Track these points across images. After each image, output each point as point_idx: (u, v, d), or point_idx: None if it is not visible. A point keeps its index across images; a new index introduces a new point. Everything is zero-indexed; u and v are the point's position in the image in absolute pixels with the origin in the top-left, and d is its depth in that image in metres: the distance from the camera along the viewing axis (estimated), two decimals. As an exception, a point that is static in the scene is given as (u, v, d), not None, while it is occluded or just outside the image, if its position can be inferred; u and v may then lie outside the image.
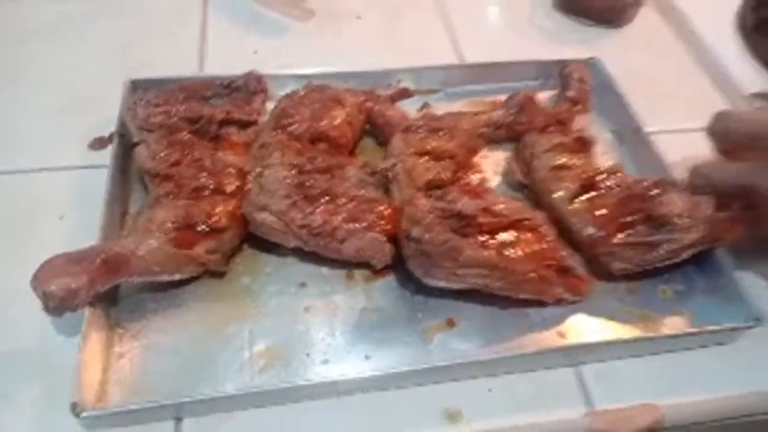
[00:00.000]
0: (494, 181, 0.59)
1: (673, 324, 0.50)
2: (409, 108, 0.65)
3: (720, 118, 0.53)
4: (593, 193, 0.53)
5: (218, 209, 0.49)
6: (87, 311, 0.44)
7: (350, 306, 0.49)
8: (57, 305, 0.41)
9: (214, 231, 0.48)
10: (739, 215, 0.50)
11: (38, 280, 0.42)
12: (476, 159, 0.60)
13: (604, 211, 0.52)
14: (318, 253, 0.51)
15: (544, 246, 0.49)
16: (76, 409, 0.39)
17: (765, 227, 0.50)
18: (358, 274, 0.51)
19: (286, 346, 0.47)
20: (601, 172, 0.55)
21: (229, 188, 0.51)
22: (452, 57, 0.73)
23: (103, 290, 0.44)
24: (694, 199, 0.52)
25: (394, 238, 0.50)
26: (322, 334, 0.48)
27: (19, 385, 0.44)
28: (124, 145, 0.56)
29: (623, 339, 0.48)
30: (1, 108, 0.63)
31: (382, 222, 0.51)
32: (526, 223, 0.50)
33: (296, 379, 0.44)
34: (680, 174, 0.55)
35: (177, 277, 0.47)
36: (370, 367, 0.46)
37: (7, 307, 0.47)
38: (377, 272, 0.51)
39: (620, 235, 0.51)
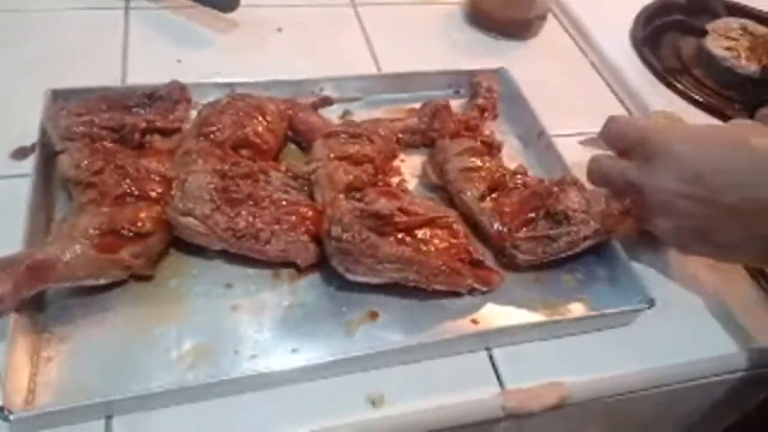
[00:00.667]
0: (411, 183, 0.63)
1: (576, 309, 0.55)
2: (331, 116, 0.68)
3: (609, 122, 0.59)
4: (500, 193, 0.58)
5: (142, 215, 0.50)
6: (12, 317, 0.44)
7: (277, 303, 0.52)
8: (-20, 312, 0.42)
9: (139, 236, 0.49)
10: (629, 209, 0.56)
11: (-39, 287, 0.42)
12: (394, 163, 0.64)
13: (509, 209, 0.57)
14: (244, 254, 0.53)
15: (456, 241, 0.53)
16: (3, 412, 0.40)
17: (647, 221, 0.56)
18: (284, 273, 0.54)
19: (214, 343, 0.48)
20: (508, 173, 0.60)
21: (153, 194, 0.52)
22: (371, 67, 0.77)
23: (28, 296, 0.44)
24: (588, 196, 0.57)
25: (317, 238, 0.53)
26: (250, 331, 0.50)
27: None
28: (47, 154, 0.56)
29: (530, 323, 0.52)
30: None
31: (306, 223, 0.53)
32: (439, 220, 0.54)
33: (226, 374, 0.46)
34: (579, 174, 0.60)
35: (102, 281, 0.48)
36: (297, 360, 0.48)
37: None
38: (302, 271, 0.54)
39: (524, 230, 0.56)
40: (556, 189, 0.57)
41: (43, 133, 0.57)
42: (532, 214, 0.56)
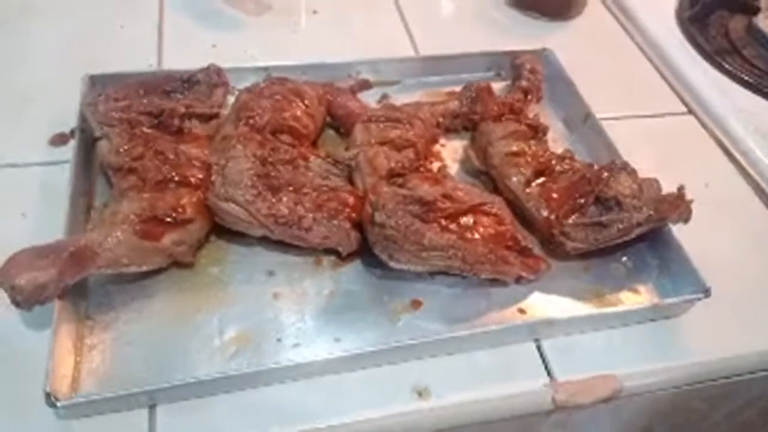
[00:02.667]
0: (453, 168, 0.61)
1: (626, 299, 0.53)
2: (369, 99, 0.66)
3: None
4: (547, 178, 0.56)
5: (183, 201, 0.49)
6: (57, 304, 0.44)
7: (318, 291, 0.51)
8: (25, 299, 0.41)
9: (181, 222, 0.48)
10: (683, 195, 0.54)
11: (5, 274, 0.42)
12: (435, 148, 0.62)
13: (557, 195, 0.55)
14: (285, 241, 0.52)
15: (502, 228, 0.51)
16: (50, 399, 0.39)
17: None
18: (326, 260, 0.53)
19: (257, 331, 0.48)
20: (554, 158, 0.57)
21: (194, 180, 0.51)
22: (408, 49, 0.75)
23: (71, 283, 0.44)
24: (640, 181, 0.55)
25: (359, 225, 0.52)
26: (292, 318, 0.49)
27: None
28: (86, 140, 0.56)
29: (581, 315, 0.51)
30: (-46, 105, 0.61)
31: (347, 210, 0.52)
32: (484, 207, 0.52)
33: (268, 363, 0.45)
34: (628, 157, 0.58)
35: (144, 268, 0.48)
36: (340, 349, 0.47)
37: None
38: (344, 258, 0.52)
39: (573, 217, 0.53)
40: (606, 174, 0.55)
41: (82, 119, 0.56)
42: (581, 200, 0.54)
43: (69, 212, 0.49)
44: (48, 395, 0.40)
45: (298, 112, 0.58)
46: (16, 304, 0.42)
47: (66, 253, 0.43)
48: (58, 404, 0.40)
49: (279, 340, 0.47)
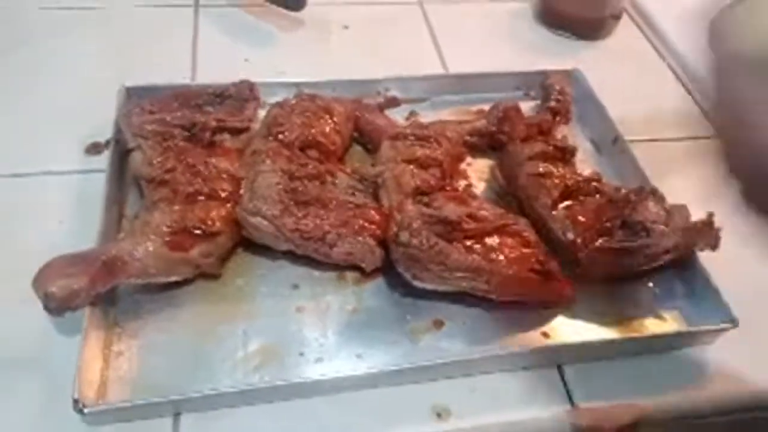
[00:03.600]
0: (479, 187, 0.61)
1: (652, 326, 0.52)
2: (397, 116, 0.67)
3: None
4: (574, 200, 0.56)
5: (213, 214, 0.50)
6: (87, 311, 0.45)
7: (341, 307, 0.51)
8: (58, 305, 0.43)
9: (209, 235, 0.49)
10: (712, 222, 0.53)
11: (39, 281, 0.43)
12: (461, 166, 0.63)
13: (583, 218, 0.54)
14: (309, 256, 0.53)
15: (528, 250, 0.51)
16: (78, 405, 0.40)
17: None
18: (349, 276, 0.53)
19: (280, 345, 0.48)
20: (582, 180, 0.57)
21: (223, 193, 0.52)
22: (437, 67, 0.75)
23: (102, 291, 0.45)
24: (669, 207, 0.54)
25: (383, 242, 0.52)
26: (315, 333, 0.49)
27: (22, 383, 0.45)
28: (120, 150, 0.57)
29: (605, 340, 0.50)
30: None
31: (372, 227, 0.53)
32: (509, 228, 0.52)
33: (291, 377, 0.46)
34: (657, 182, 0.57)
35: (173, 278, 0.49)
36: (362, 365, 0.47)
37: (8, 309, 0.48)
38: (367, 275, 0.53)
39: (600, 240, 0.53)
40: (634, 198, 0.54)
41: (117, 130, 0.58)
42: (608, 224, 0.54)
43: (102, 221, 0.51)
44: (76, 401, 0.41)
45: (327, 129, 0.59)
46: (48, 309, 0.43)
47: (98, 262, 0.45)
48: (86, 411, 0.41)
49: (302, 354, 0.48)
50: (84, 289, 0.43)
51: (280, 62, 0.72)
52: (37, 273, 0.44)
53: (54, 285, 0.42)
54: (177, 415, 0.44)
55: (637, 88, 0.75)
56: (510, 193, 0.59)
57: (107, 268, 0.45)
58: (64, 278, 0.43)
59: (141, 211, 0.51)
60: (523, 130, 0.62)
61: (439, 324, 0.51)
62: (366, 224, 0.53)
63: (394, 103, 0.67)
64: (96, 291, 0.44)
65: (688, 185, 0.60)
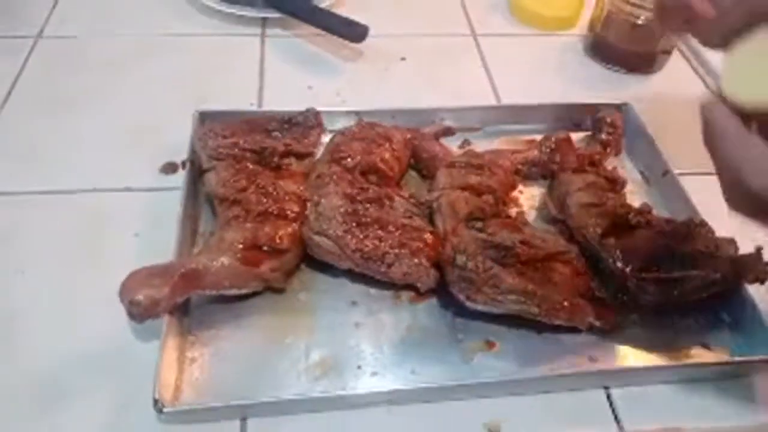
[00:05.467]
0: (530, 214, 0.64)
1: (697, 354, 0.54)
2: (451, 144, 0.70)
3: None
4: (624, 231, 0.58)
5: (281, 232, 0.54)
6: (166, 319, 0.49)
7: (396, 324, 0.54)
8: (141, 313, 0.47)
9: (278, 252, 0.53)
10: (760, 255, 0.54)
11: (125, 290, 0.47)
12: (513, 194, 0.65)
13: (633, 248, 0.56)
14: (368, 274, 0.56)
15: (579, 278, 0.53)
16: (158, 405, 0.44)
17: None
18: (404, 295, 0.56)
19: (339, 357, 0.51)
20: (632, 211, 0.59)
21: (291, 214, 0.56)
22: (490, 97, 0.78)
23: (180, 301, 0.49)
24: (718, 240, 0.56)
25: (437, 264, 0.55)
26: (372, 348, 0.52)
27: (102, 383, 0.49)
28: (194, 171, 0.61)
29: (652, 366, 0.52)
30: (80, 131, 0.69)
31: (427, 249, 0.55)
32: (560, 256, 0.55)
33: (350, 389, 0.49)
34: (707, 216, 0.59)
35: (243, 291, 0.52)
36: (416, 381, 0.50)
37: (91, 314, 0.52)
38: (422, 295, 0.56)
39: (648, 271, 0.55)
40: (683, 230, 0.56)
41: (193, 151, 0.62)
42: (657, 255, 0.55)
43: (178, 235, 0.55)
44: (156, 401, 0.44)
45: (386, 155, 0.63)
46: (132, 317, 0.47)
47: (178, 274, 0.48)
48: (164, 410, 0.44)
49: (359, 367, 0.51)
50: (165, 298, 0.47)
51: (341, 91, 0.76)
52: (123, 282, 0.48)
53: (139, 294, 0.46)
54: (244, 419, 0.47)
55: (687, 122, 0.75)
56: (560, 221, 0.61)
57: (186, 279, 0.49)
58: (148, 288, 0.47)
59: (216, 228, 0.55)
60: (574, 160, 0.64)
61: (490, 344, 0.53)
62: (422, 246, 0.55)
63: (449, 132, 0.70)
64: (175, 301, 0.48)
65: (737, 219, 0.61)
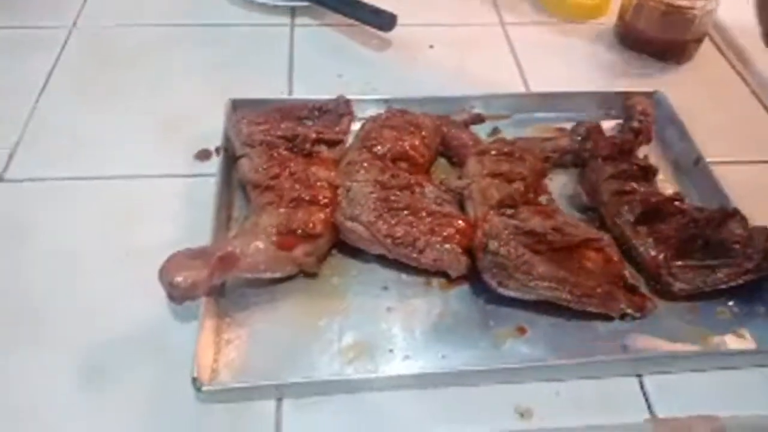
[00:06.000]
0: (560, 202, 0.63)
1: (731, 343, 0.53)
2: (480, 132, 0.70)
3: None
4: (656, 219, 0.57)
5: (314, 217, 0.55)
6: (203, 301, 0.50)
7: (428, 310, 0.54)
8: (181, 294, 0.48)
9: (311, 236, 0.54)
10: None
11: (165, 272, 0.48)
12: (543, 181, 0.65)
13: (666, 236, 0.56)
14: (399, 260, 0.56)
15: (611, 265, 0.53)
16: (196, 383, 0.45)
17: None
18: (435, 281, 0.56)
19: (371, 341, 0.52)
20: (664, 199, 0.59)
21: (323, 200, 0.56)
22: (519, 86, 0.78)
23: (218, 283, 0.50)
24: (751, 229, 0.55)
25: (469, 250, 0.55)
26: (404, 333, 0.53)
27: (142, 362, 0.50)
28: (228, 157, 0.62)
29: (685, 352, 0.52)
30: (115, 119, 0.70)
31: (459, 235, 0.56)
32: (592, 243, 0.55)
33: (383, 371, 0.49)
34: (739, 204, 0.58)
35: (277, 275, 0.53)
36: (447, 365, 0.50)
37: (131, 296, 0.54)
38: (453, 281, 0.56)
39: (681, 259, 0.55)
40: (716, 218, 0.56)
41: (226, 138, 0.63)
42: (690, 243, 0.55)
43: (214, 220, 0.56)
44: (194, 380, 0.45)
45: (416, 142, 0.63)
46: (172, 298, 0.48)
47: (215, 257, 0.49)
48: (203, 389, 0.45)
49: (391, 351, 0.51)
50: (204, 280, 0.48)
51: (371, 79, 0.76)
52: (162, 265, 0.49)
53: (179, 275, 0.47)
54: (280, 399, 0.48)
55: (719, 110, 0.76)
56: (591, 209, 0.61)
57: (223, 262, 0.50)
58: (187, 270, 0.48)
59: (250, 213, 0.56)
60: (605, 148, 0.64)
61: (521, 330, 0.53)
62: (453, 233, 0.56)
63: (478, 119, 0.70)
64: (213, 283, 0.49)
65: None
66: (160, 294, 0.49)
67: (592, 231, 0.56)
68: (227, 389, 0.47)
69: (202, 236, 0.55)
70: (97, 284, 0.55)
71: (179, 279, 0.47)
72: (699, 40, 0.83)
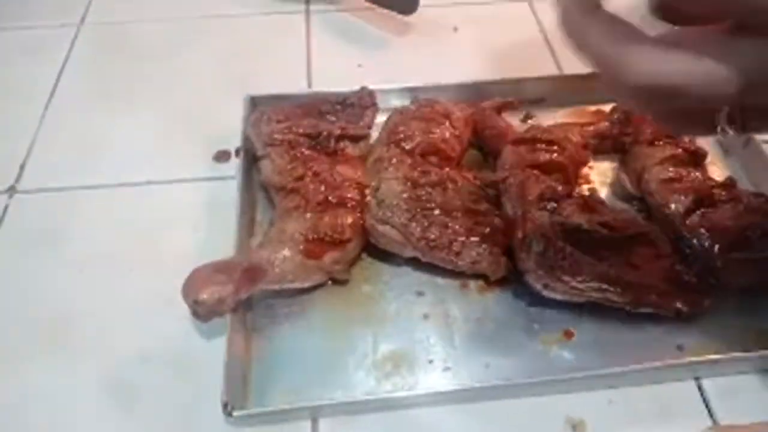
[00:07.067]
0: (602, 192, 0.60)
1: (795, 340, 0.50)
2: (512, 119, 0.66)
3: None
4: (708, 207, 0.53)
5: (342, 221, 0.51)
6: (229, 317, 0.47)
7: (467, 315, 0.51)
8: (207, 312, 0.45)
9: (340, 242, 0.51)
10: None
11: (188, 289, 0.45)
12: (584, 170, 0.61)
13: (720, 226, 0.52)
14: (433, 263, 0.53)
15: (663, 261, 0.50)
16: (227, 409, 0.42)
17: None
18: (472, 284, 0.53)
19: (409, 351, 0.49)
20: (716, 186, 0.55)
21: (350, 201, 0.53)
22: (551, 66, 0.74)
23: (244, 297, 0.47)
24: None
25: (508, 251, 0.52)
26: (443, 341, 0.50)
27: (167, 382, 0.47)
28: (248, 158, 0.59)
29: (748, 355, 0.48)
30: (129, 121, 0.67)
31: (497, 235, 0.52)
32: (642, 237, 0.51)
33: (422, 386, 0.46)
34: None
35: (306, 285, 0.50)
36: (491, 376, 0.47)
37: (152, 311, 0.51)
38: (491, 283, 0.53)
39: (738, 251, 0.51)
40: (775, 205, 0.52)
41: (246, 138, 0.60)
42: (747, 233, 0.51)
43: (237, 227, 0.53)
44: (225, 405, 0.43)
45: (447, 134, 0.59)
46: (197, 316, 0.46)
47: (240, 270, 0.47)
48: (234, 414, 0.43)
49: (431, 361, 0.48)
50: (230, 296, 0.45)
51: (393, 66, 0.72)
52: (185, 281, 0.46)
53: (204, 293, 0.45)
54: (315, 420, 0.45)
55: (768, 83, 0.71)
56: (636, 198, 0.57)
57: (249, 275, 0.47)
58: (212, 286, 0.45)
59: (275, 218, 0.53)
60: (649, 132, 0.60)
61: (568, 334, 0.50)
62: (491, 232, 0.52)
63: (511, 106, 0.66)
64: (239, 297, 0.46)
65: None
66: (184, 310, 0.47)
67: (641, 223, 0.52)
68: (260, 413, 0.44)
69: (226, 242, 0.52)
70: (117, 301, 0.52)
71: (204, 296, 0.44)
72: (741, 8, 0.78)
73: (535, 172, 0.56)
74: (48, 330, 0.51)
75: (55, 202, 0.60)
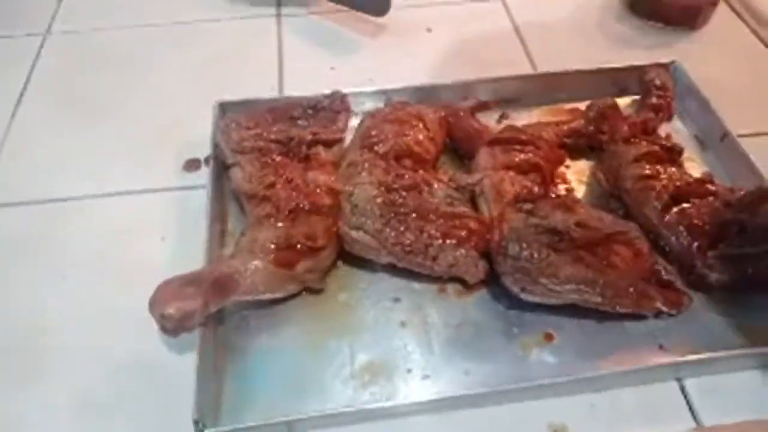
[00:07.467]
0: (579, 191, 0.59)
1: (775, 337, 0.49)
2: (487, 119, 0.65)
3: None
4: (686, 204, 0.53)
5: (315, 228, 0.50)
6: (199, 331, 0.45)
7: (445, 321, 0.50)
8: (174, 327, 0.43)
9: (313, 250, 0.49)
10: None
11: (155, 303, 0.44)
12: (560, 169, 0.60)
13: (698, 222, 0.51)
14: (409, 268, 0.52)
15: (641, 259, 0.49)
16: (198, 426, 0.41)
17: None
18: (450, 288, 0.52)
19: (387, 361, 0.48)
20: (693, 182, 0.54)
21: (323, 208, 0.52)
22: (525, 65, 0.73)
23: (215, 310, 0.46)
24: (793, 208, 0.51)
25: (486, 253, 0.51)
26: (421, 349, 0.49)
27: (138, 402, 0.46)
28: (218, 166, 0.58)
29: (730, 353, 0.47)
30: (97, 132, 0.65)
31: (474, 237, 0.51)
32: (620, 236, 0.50)
33: (401, 396, 0.45)
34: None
35: (279, 295, 0.49)
36: (471, 383, 0.46)
37: (120, 327, 0.50)
38: (470, 287, 0.52)
39: (717, 247, 0.50)
40: (752, 199, 0.51)
41: (215, 145, 0.58)
42: (725, 229, 0.50)
43: (207, 237, 0.51)
44: (196, 423, 0.41)
45: (420, 137, 0.58)
46: (165, 330, 0.44)
47: (210, 282, 0.45)
48: (205, 431, 0.41)
49: (409, 370, 0.47)
50: (198, 309, 0.44)
51: (366, 69, 0.71)
52: (153, 295, 0.44)
53: (170, 307, 0.43)
54: (295, 434, 0.44)
55: (742, 78, 0.71)
56: (614, 196, 0.57)
57: (219, 287, 0.45)
58: (180, 300, 0.44)
59: (246, 228, 0.52)
60: (625, 129, 0.59)
61: (548, 337, 0.49)
62: (467, 235, 0.51)
63: (485, 106, 0.65)
64: (209, 311, 0.45)
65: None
66: (154, 324, 0.45)
67: (619, 222, 0.52)
68: (234, 429, 0.43)
69: (196, 254, 0.51)
70: (87, 315, 0.51)
71: (171, 311, 0.43)
72: (714, 3, 0.78)
73: (511, 173, 0.55)
74: (17, 344, 0.49)
75: (21, 216, 0.58)
